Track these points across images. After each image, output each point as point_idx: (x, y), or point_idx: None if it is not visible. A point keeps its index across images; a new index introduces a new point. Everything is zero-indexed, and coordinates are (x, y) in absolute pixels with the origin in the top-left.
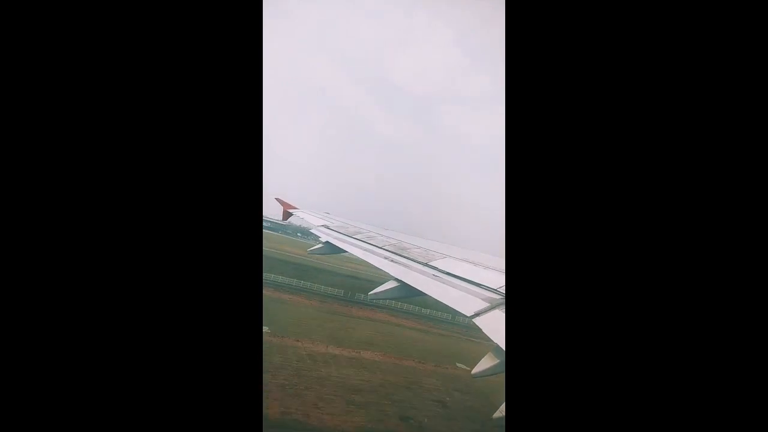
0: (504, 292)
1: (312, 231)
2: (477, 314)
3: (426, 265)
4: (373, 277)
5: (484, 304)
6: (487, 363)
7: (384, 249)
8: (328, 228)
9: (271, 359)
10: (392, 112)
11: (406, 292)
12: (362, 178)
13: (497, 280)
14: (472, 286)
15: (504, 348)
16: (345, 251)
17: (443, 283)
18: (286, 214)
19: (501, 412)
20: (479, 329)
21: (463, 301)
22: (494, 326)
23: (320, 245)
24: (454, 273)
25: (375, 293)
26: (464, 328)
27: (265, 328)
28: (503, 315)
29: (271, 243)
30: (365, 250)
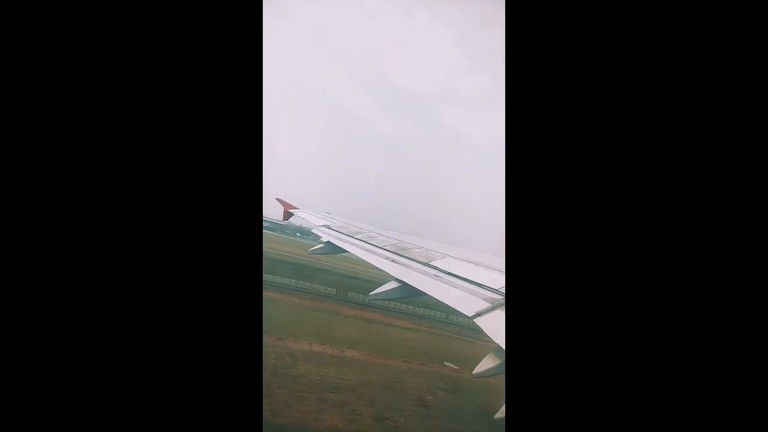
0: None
1: (313, 231)
2: (478, 314)
3: (427, 265)
4: (371, 277)
5: (486, 305)
6: (488, 363)
7: (385, 249)
8: (329, 228)
9: None
10: (392, 112)
11: (407, 292)
12: (362, 178)
13: (498, 280)
14: (474, 286)
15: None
16: (346, 251)
17: (444, 283)
18: (287, 214)
19: (501, 413)
20: (473, 328)
21: (464, 302)
22: (496, 326)
23: (321, 245)
24: (455, 273)
25: (376, 293)
26: (458, 327)
27: None
28: (504, 315)
29: (268, 243)
30: (366, 250)
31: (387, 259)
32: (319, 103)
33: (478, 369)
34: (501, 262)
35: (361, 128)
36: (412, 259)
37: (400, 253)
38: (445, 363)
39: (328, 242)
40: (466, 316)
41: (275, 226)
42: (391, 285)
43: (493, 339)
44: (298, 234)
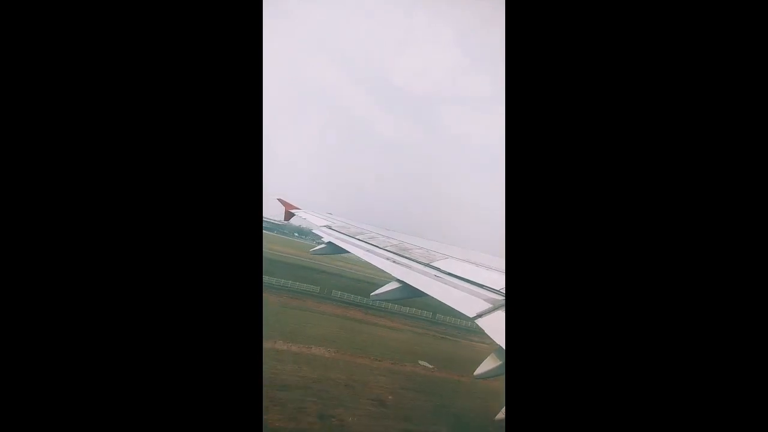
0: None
1: (314, 231)
2: (479, 315)
3: (428, 265)
4: (358, 275)
5: (487, 305)
6: (489, 364)
7: (386, 250)
8: (330, 228)
9: None
10: (392, 112)
11: (408, 292)
12: (362, 178)
13: (500, 281)
14: (475, 287)
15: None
16: (347, 252)
17: (445, 284)
18: (288, 215)
19: (501, 414)
20: (460, 328)
21: (465, 302)
22: (497, 327)
23: (323, 245)
24: (456, 274)
25: (377, 294)
26: (444, 326)
27: None
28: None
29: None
30: (367, 250)
31: (388, 259)
32: (319, 103)
33: (480, 370)
34: (502, 263)
35: (361, 128)
36: (413, 260)
37: (401, 253)
38: (420, 362)
39: (329, 243)
40: (467, 317)
41: (272, 226)
42: (392, 285)
43: (495, 340)
44: (296, 234)
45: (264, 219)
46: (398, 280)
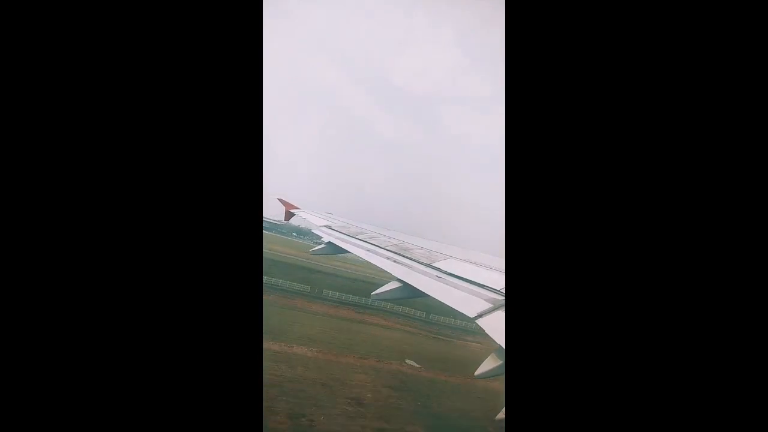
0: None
1: (314, 231)
2: (480, 315)
3: (429, 266)
4: (352, 274)
5: (488, 305)
6: (490, 364)
7: (386, 249)
8: (330, 228)
9: None
10: (392, 112)
11: (409, 292)
12: (362, 178)
13: (500, 280)
14: (475, 287)
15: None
16: (347, 251)
17: (446, 284)
18: (288, 215)
19: (502, 414)
20: (453, 327)
21: (466, 303)
22: (497, 327)
23: (323, 245)
24: (457, 274)
25: (377, 294)
26: (437, 326)
27: None
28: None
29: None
30: (367, 250)
31: (389, 259)
32: (319, 103)
33: (480, 370)
34: (502, 263)
35: (361, 128)
36: (414, 260)
37: (401, 253)
38: (407, 361)
39: (329, 242)
40: (468, 317)
41: (270, 226)
42: (392, 285)
43: (496, 340)
44: (294, 234)
45: (263, 219)
46: (399, 280)
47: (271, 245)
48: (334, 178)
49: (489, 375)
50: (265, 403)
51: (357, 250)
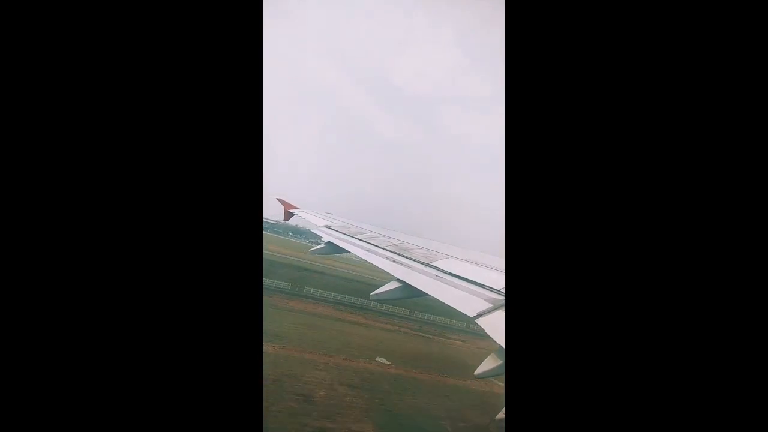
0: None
1: (314, 231)
2: (480, 315)
3: (428, 265)
4: (337, 272)
5: (487, 305)
6: (490, 364)
7: (386, 249)
8: (330, 228)
9: None
10: (392, 112)
11: (408, 292)
12: (362, 178)
13: (500, 280)
14: (475, 286)
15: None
16: (347, 251)
17: (445, 283)
18: (288, 215)
19: (502, 413)
20: (437, 324)
21: (465, 302)
22: (497, 327)
23: (322, 245)
24: (456, 273)
25: (377, 294)
26: (418, 323)
27: None
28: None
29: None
30: (367, 250)
31: (388, 259)
32: (319, 103)
33: (480, 369)
34: (502, 263)
35: (361, 128)
36: (414, 260)
37: (401, 253)
38: (377, 359)
39: (329, 242)
40: (467, 317)
41: (267, 226)
42: (392, 285)
43: (495, 340)
44: (290, 233)
45: (264, 219)
46: (398, 280)
47: (271, 245)
48: (334, 178)
49: (489, 375)
50: None
51: (356, 249)
